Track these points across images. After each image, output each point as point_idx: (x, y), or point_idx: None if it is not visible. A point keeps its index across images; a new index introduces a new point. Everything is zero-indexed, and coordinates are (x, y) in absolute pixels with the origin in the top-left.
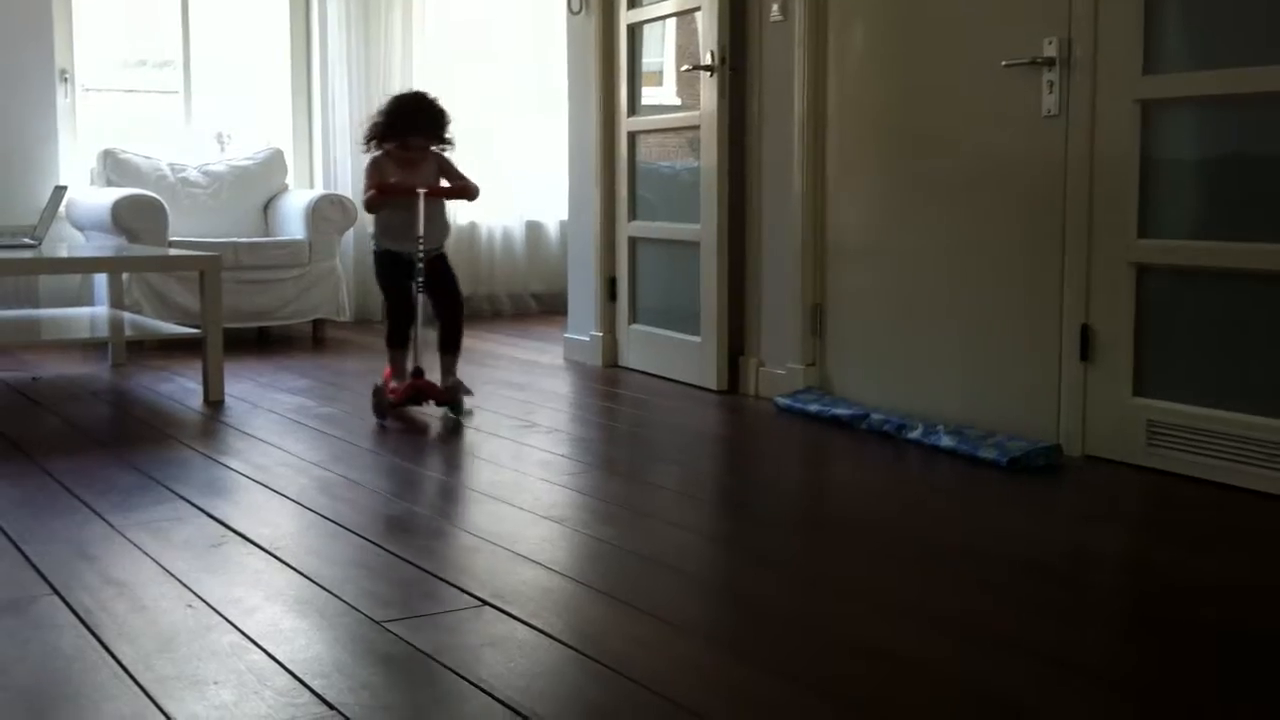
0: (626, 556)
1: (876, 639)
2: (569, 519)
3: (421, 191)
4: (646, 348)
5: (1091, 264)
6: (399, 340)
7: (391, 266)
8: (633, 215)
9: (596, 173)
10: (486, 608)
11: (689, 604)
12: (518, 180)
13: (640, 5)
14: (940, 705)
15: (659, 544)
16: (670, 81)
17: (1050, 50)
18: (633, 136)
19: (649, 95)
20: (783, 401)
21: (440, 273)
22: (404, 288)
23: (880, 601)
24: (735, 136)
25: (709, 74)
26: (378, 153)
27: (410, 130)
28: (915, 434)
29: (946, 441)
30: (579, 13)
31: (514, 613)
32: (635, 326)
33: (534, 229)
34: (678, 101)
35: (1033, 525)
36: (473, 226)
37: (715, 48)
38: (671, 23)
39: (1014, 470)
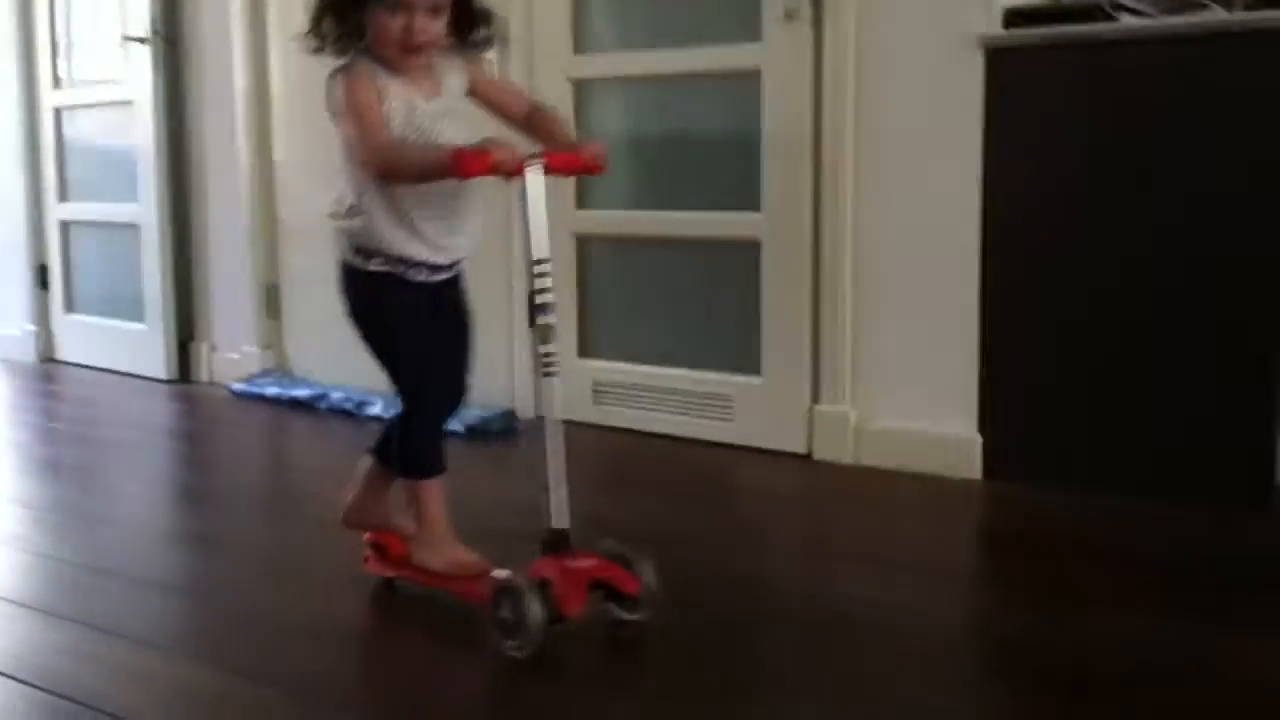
0: (67, 568)
1: (333, 617)
2: None
3: (537, 165)
4: (87, 339)
5: None
6: (436, 459)
7: (406, 298)
8: (63, 197)
9: (19, 152)
10: None
11: (138, 612)
12: None
13: None
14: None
15: (106, 551)
16: (108, 54)
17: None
18: (59, 112)
19: (84, 69)
20: (238, 387)
21: (459, 305)
22: (445, 340)
23: (337, 577)
24: (176, 112)
25: (142, 46)
26: (345, 59)
27: None
28: (376, 409)
29: None
30: None
31: None
32: (73, 316)
33: None
34: (117, 76)
35: (494, 488)
36: None
37: (148, 17)
38: None
39: (473, 438)
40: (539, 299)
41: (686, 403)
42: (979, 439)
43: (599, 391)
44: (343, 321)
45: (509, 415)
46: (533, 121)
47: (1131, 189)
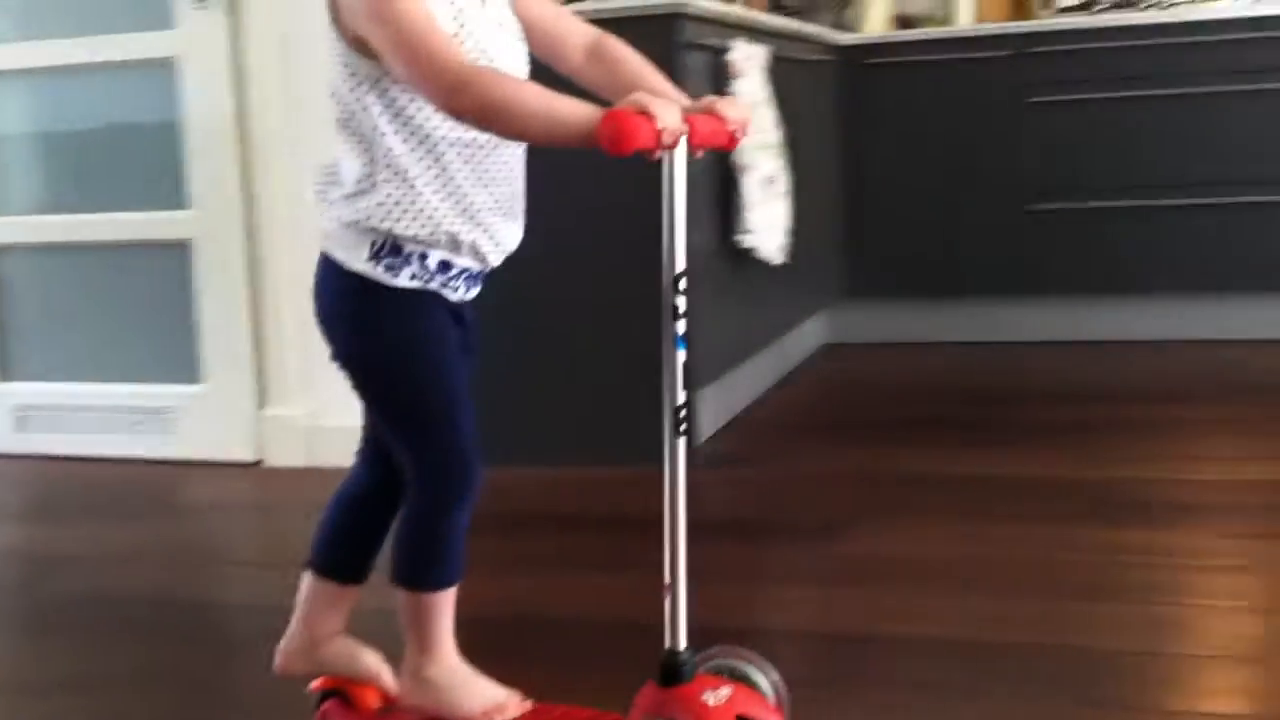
0: None
1: None
2: None
3: (682, 138)
4: None
5: None
6: (459, 560)
7: (442, 326)
8: None
9: None
10: None
11: None
12: None
13: None
14: None
15: None
16: None
17: None
18: None
19: None
20: None
21: (475, 339)
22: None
23: None
24: None
25: None
26: None
27: None
28: None
29: None
30: None
31: None
32: None
33: None
34: None
35: None
36: None
37: None
38: None
39: None
40: (680, 328)
41: (123, 420)
42: None
43: (23, 417)
44: None
45: None
46: (604, 62)
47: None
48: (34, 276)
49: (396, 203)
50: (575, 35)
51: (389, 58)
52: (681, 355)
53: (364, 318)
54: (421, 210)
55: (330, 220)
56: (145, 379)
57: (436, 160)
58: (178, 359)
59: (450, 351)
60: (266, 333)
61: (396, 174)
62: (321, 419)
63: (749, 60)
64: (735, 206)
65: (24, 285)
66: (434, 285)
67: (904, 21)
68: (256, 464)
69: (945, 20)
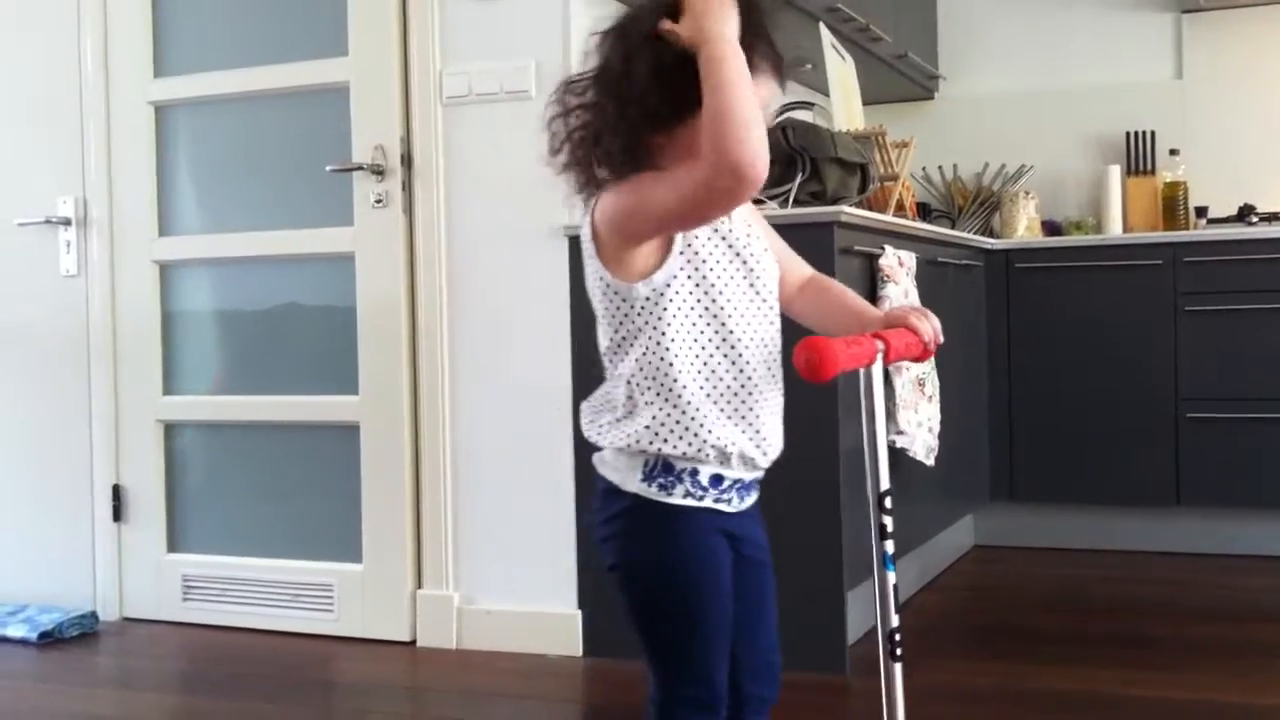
0: None
1: None
2: None
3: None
4: None
5: (120, 423)
6: None
7: (717, 543)
8: None
9: None
10: None
11: None
12: None
13: None
14: None
15: None
16: None
17: (66, 210)
18: None
19: None
20: None
21: (764, 553)
22: (743, 608)
23: None
24: None
25: None
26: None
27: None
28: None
29: None
30: None
31: None
32: None
33: None
34: None
35: (66, 701)
36: None
37: None
38: None
39: (47, 645)
40: (889, 548)
41: (284, 594)
42: (579, 615)
43: (189, 587)
44: None
45: (89, 618)
46: (814, 291)
47: None
48: (206, 452)
49: (662, 424)
50: (798, 271)
51: (680, 181)
52: (892, 577)
53: (639, 534)
54: (688, 429)
55: (601, 442)
56: (308, 556)
57: (710, 371)
58: (340, 537)
59: (719, 579)
60: (425, 516)
61: (660, 394)
62: (473, 603)
63: (899, 265)
64: (887, 407)
65: (195, 460)
66: (708, 501)
67: (1051, 228)
68: (411, 644)
69: (1096, 228)
